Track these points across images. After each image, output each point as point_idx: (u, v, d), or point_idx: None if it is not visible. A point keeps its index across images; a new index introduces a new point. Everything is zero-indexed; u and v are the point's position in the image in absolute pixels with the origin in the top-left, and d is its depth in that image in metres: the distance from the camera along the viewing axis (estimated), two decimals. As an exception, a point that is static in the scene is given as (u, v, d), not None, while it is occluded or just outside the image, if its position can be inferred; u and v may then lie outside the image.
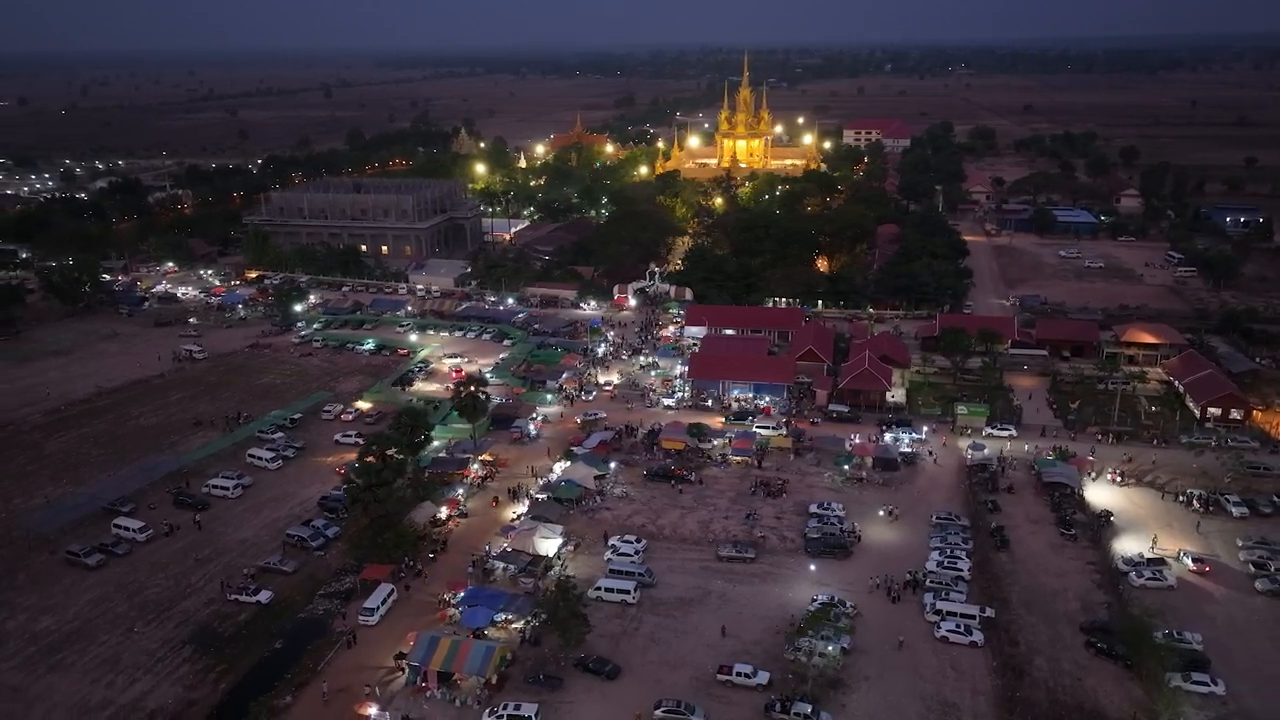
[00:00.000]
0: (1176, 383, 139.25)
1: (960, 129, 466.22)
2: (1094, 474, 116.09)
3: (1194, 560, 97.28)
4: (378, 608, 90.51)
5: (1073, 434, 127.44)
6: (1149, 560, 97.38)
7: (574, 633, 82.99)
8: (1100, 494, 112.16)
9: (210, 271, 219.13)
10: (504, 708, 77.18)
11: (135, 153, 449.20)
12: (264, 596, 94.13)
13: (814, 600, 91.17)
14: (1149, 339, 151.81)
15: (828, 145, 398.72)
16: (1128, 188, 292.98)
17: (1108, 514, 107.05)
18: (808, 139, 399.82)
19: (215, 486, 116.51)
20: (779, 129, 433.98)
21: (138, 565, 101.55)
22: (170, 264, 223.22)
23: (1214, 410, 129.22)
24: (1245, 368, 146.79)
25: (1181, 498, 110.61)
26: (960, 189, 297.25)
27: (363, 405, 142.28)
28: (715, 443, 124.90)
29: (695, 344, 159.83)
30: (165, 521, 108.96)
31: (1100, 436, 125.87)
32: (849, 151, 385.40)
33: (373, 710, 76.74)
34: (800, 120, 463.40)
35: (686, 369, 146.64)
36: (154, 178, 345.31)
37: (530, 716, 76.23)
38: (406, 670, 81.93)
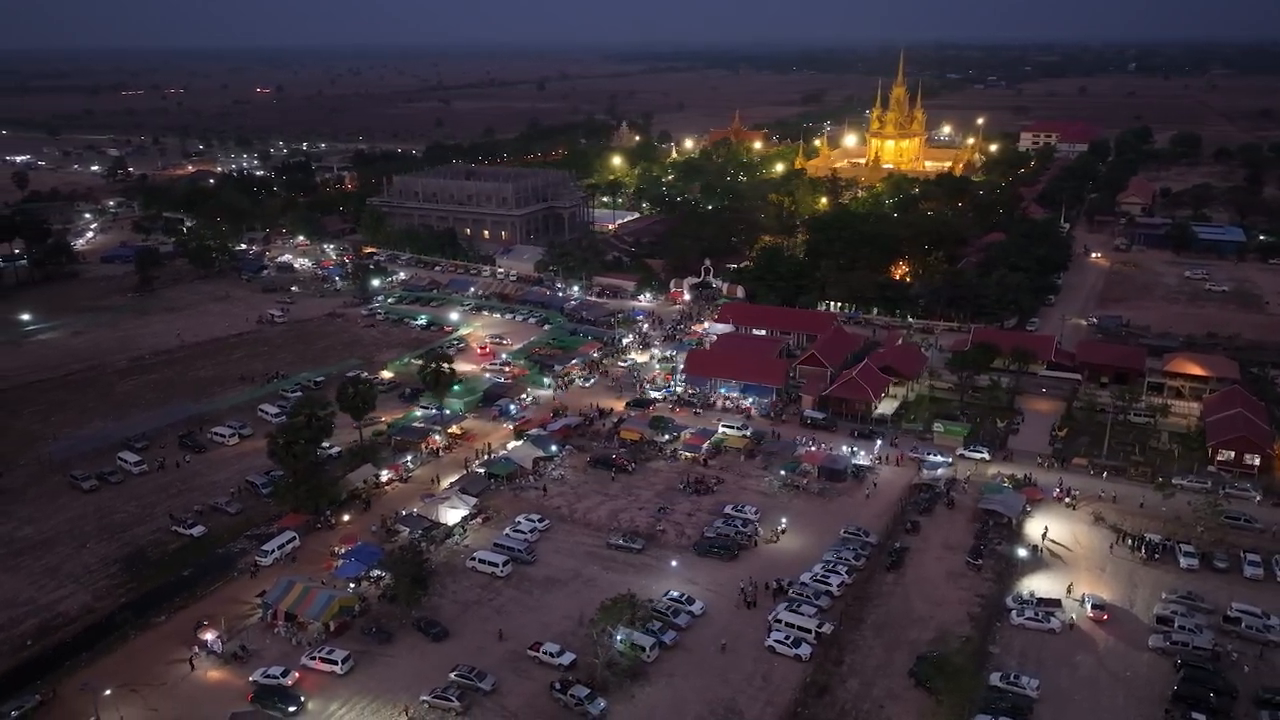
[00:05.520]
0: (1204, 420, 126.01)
1: (1163, 135, 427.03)
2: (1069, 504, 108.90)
3: (1094, 606, 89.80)
4: (273, 551, 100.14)
5: (1054, 463, 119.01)
6: (1040, 600, 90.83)
7: (406, 595, 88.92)
8: (1038, 527, 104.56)
9: (332, 246, 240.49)
10: (320, 650, 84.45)
11: (338, 136, 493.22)
12: (196, 531, 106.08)
13: (665, 595, 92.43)
14: (1195, 370, 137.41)
15: (994, 148, 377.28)
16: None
17: (1034, 548, 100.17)
18: (971, 140, 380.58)
19: (216, 433, 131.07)
20: (947, 130, 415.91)
21: (121, 493, 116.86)
22: (302, 237, 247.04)
23: (1228, 453, 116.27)
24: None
25: (1130, 540, 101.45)
26: (1110, 199, 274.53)
27: (386, 374, 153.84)
28: (666, 437, 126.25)
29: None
30: (159, 458, 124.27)
31: (1050, 463, 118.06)
32: (1014, 155, 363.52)
33: (209, 635, 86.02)
34: (980, 121, 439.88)
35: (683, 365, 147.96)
36: (338, 160, 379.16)
37: (339, 661, 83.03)
38: (261, 607, 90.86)
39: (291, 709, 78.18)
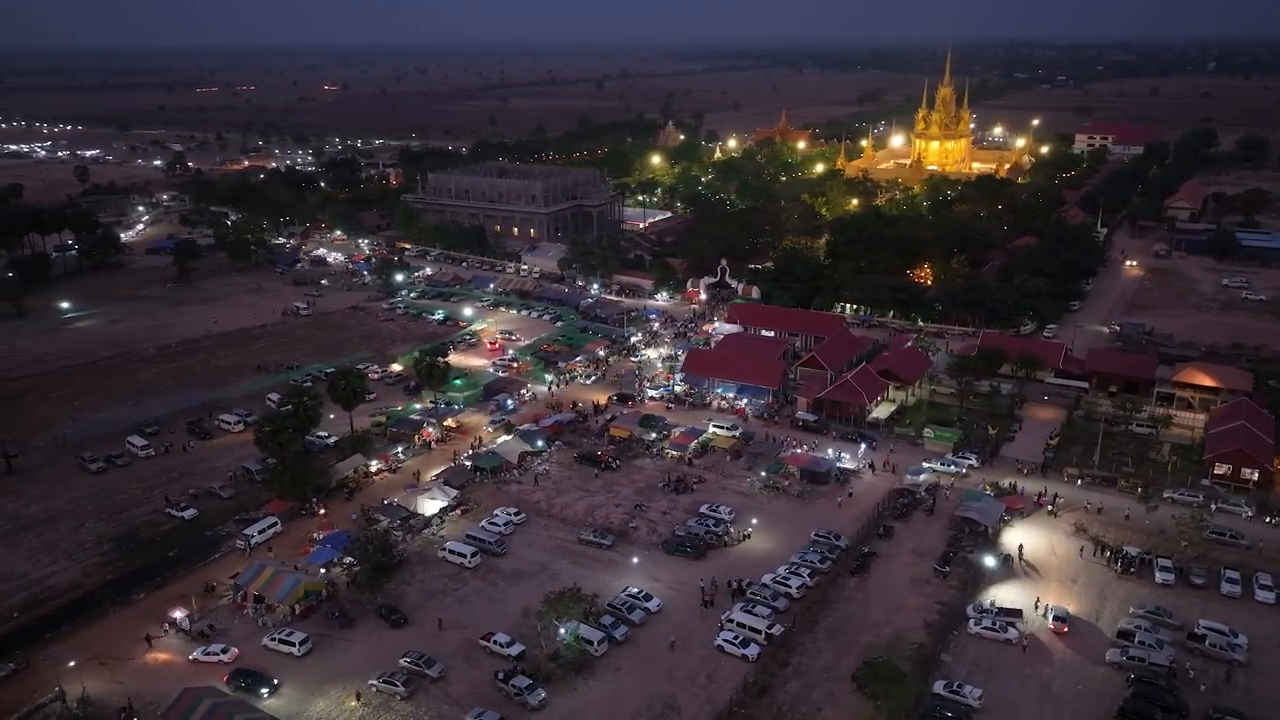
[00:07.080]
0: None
1: (1231, 137, 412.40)
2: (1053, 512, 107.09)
3: (1055, 618, 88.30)
4: (254, 535, 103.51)
5: (1036, 470, 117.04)
6: (1000, 610, 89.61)
7: (368, 581, 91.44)
8: (1016, 537, 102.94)
9: (366, 241, 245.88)
10: (280, 632, 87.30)
11: (394, 134, 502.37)
12: (189, 513, 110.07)
13: (623, 591, 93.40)
14: (1206, 381, 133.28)
15: (1045, 149, 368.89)
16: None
17: (1006, 557, 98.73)
18: (1021, 142, 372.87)
19: (223, 421, 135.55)
20: (998, 130, 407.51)
21: (126, 475, 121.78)
22: (339, 232, 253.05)
23: (1225, 466, 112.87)
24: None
25: (1107, 552, 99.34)
26: (1157, 203, 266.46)
27: (395, 367, 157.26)
28: (654, 435, 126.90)
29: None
30: (165, 443, 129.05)
31: (1030, 470, 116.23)
32: (1065, 157, 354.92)
33: (179, 614, 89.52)
34: (1035, 122, 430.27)
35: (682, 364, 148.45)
36: (387, 156, 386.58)
37: (296, 644, 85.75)
38: (232, 589, 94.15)
39: (264, 690, 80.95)
